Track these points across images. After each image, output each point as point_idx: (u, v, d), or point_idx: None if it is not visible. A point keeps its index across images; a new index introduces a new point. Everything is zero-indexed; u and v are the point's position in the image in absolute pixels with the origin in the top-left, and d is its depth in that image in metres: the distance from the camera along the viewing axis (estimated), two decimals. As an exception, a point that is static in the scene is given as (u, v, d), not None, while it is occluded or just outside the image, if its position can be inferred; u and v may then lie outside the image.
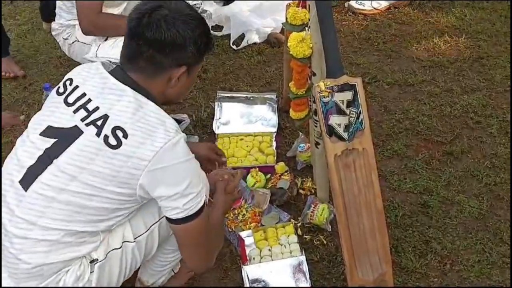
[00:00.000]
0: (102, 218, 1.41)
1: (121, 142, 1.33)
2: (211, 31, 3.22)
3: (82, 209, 1.37)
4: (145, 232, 1.53)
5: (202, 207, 1.44)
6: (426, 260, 1.95)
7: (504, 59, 2.99)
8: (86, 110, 1.38)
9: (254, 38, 3.23)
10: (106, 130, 1.34)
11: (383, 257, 1.74)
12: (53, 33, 2.53)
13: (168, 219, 1.44)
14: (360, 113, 1.67)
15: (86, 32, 2.30)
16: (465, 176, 2.28)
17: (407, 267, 1.92)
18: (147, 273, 1.77)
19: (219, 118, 2.61)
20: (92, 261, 1.46)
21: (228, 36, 3.28)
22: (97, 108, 1.37)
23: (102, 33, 2.28)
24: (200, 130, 2.61)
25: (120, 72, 1.42)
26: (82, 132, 1.36)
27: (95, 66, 1.46)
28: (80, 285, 1.43)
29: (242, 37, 3.27)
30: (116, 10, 2.36)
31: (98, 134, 1.35)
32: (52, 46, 3.26)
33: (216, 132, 2.55)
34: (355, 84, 1.66)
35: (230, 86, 2.89)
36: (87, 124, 1.37)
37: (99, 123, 1.35)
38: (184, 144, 1.39)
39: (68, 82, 1.45)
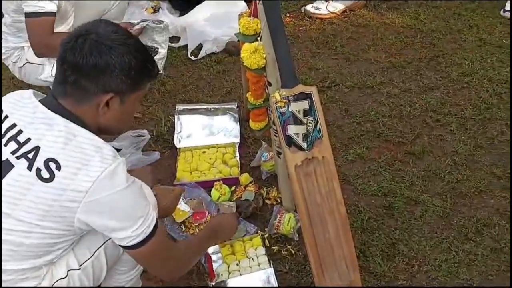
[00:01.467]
0: (40, 254, 1.35)
1: (54, 175, 1.27)
2: (168, 44, 3.20)
3: (18, 247, 1.31)
4: (90, 257, 1.47)
5: (155, 226, 1.39)
6: (394, 263, 1.95)
7: (459, 56, 3.05)
8: (17, 142, 1.31)
9: (212, 47, 3.21)
10: (39, 163, 1.28)
11: (351, 265, 1.73)
12: (2, 57, 2.44)
13: (123, 247, 1.39)
14: (317, 121, 1.65)
15: (38, 55, 2.23)
16: (427, 176, 2.30)
17: (375, 271, 1.92)
18: None
19: (180, 131, 2.56)
20: None
21: (186, 47, 3.25)
22: (28, 140, 1.31)
23: (55, 53, 2.22)
24: (161, 145, 2.56)
25: (50, 100, 1.36)
26: (13, 166, 1.30)
27: (27, 94, 1.40)
28: None
29: (199, 47, 3.24)
30: (65, 28, 2.30)
31: (29, 168, 1.28)
32: (4, 67, 3.15)
33: (178, 146, 2.50)
34: (311, 93, 1.65)
35: (190, 97, 2.85)
36: (18, 157, 1.30)
37: (30, 155, 1.29)
38: (123, 169, 1.32)
39: None
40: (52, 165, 1.27)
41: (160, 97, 2.86)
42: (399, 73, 2.94)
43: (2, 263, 1.31)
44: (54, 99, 1.36)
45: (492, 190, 2.22)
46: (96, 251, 1.47)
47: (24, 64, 2.35)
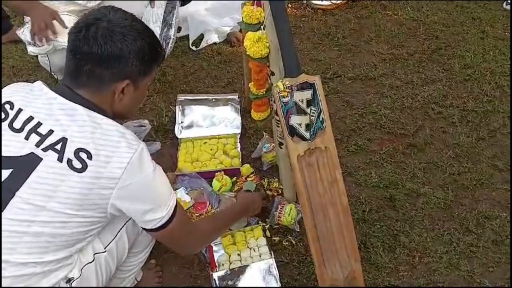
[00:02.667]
0: (74, 242, 1.36)
1: (87, 164, 1.28)
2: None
3: (54, 238, 1.31)
4: (114, 238, 1.50)
5: (176, 206, 1.42)
6: (395, 254, 1.95)
7: (461, 49, 3.04)
8: (39, 134, 1.31)
9: (213, 38, 3.19)
10: (68, 153, 1.28)
11: (352, 255, 1.72)
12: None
13: (147, 230, 1.42)
14: (320, 111, 1.64)
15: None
16: (429, 168, 2.30)
17: (376, 262, 1.92)
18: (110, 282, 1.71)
19: (181, 122, 2.56)
20: (68, 281, 1.40)
21: (187, 37, 3.23)
22: (51, 132, 1.30)
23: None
24: (162, 136, 2.55)
25: (66, 90, 1.36)
26: (41, 159, 1.29)
27: (37, 86, 1.39)
28: None
29: (201, 37, 3.22)
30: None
31: (60, 159, 1.28)
32: (4, 56, 3.14)
33: (179, 136, 2.50)
34: (314, 83, 1.64)
35: (191, 88, 2.84)
36: (44, 149, 1.29)
37: (58, 147, 1.28)
38: (147, 152, 1.35)
39: (8, 106, 1.36)
40: (83, 155, 1.28)
41: (161, 87, 2.85)
42: (401, 65, 2.93)
43: (39, 256, 1.31)
44: (70, 89, 1.35)
45: (494, 183, 2.22)
46: (118, 232, 1.50)
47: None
